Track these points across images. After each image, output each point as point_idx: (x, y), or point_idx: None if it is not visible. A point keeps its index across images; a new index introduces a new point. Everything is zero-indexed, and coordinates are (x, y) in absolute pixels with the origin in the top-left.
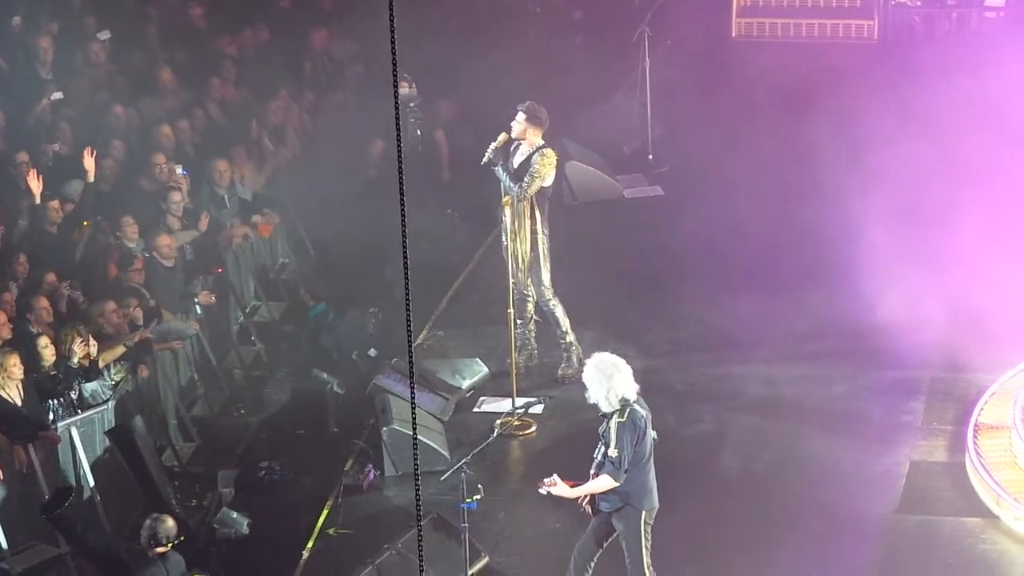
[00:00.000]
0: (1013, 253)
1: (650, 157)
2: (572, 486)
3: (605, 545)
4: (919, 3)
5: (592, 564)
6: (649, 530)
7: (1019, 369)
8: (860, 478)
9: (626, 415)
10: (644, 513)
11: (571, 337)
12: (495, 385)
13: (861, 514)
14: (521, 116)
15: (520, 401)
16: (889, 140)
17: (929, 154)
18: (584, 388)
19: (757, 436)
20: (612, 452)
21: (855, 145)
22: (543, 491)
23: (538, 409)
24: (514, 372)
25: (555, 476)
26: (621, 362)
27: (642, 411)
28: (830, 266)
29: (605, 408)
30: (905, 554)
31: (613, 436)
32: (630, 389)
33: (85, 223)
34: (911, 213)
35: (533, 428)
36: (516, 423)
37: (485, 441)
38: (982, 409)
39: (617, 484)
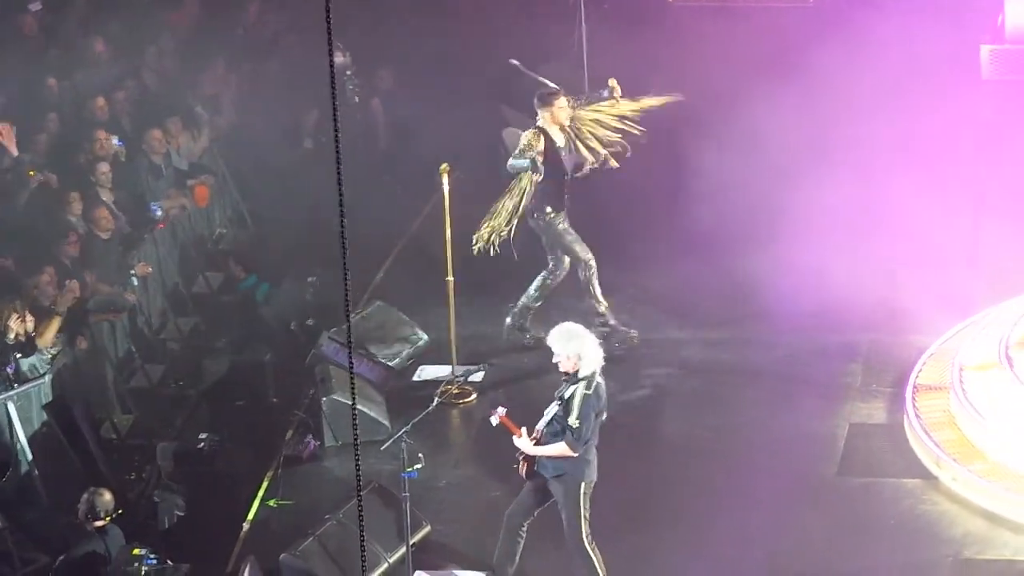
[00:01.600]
0: (950, 216)
1: None
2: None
3: (536, 513)
4: None
5: (525, 527)
6: (588, 500)
7: (956, 330)
8: (801, 441)
9: (592, 387)
10: (583, 484)
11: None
12: (435, 354)
13: (803, 477)
14: (563, 99)
15: (460, 369)
16: (826, 105)
17: (865, 119)
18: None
19: (698, 401)
20: (574, 422)
21: (792, 110)
22: (492, 420)
23: (478, 377)
24: (453, 340)
25: (523, 429)
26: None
27: (603, 385)
28: (769, 230)
29: (583, 372)
30: (847, 516)
31: (577, 406)
32: (598, 358)
33: (31, 172)
34: (849, 177)
35: (473, 396)
36: (456, 391)
37: (425, 410)
38: (920, 371)
39: (575, 455)
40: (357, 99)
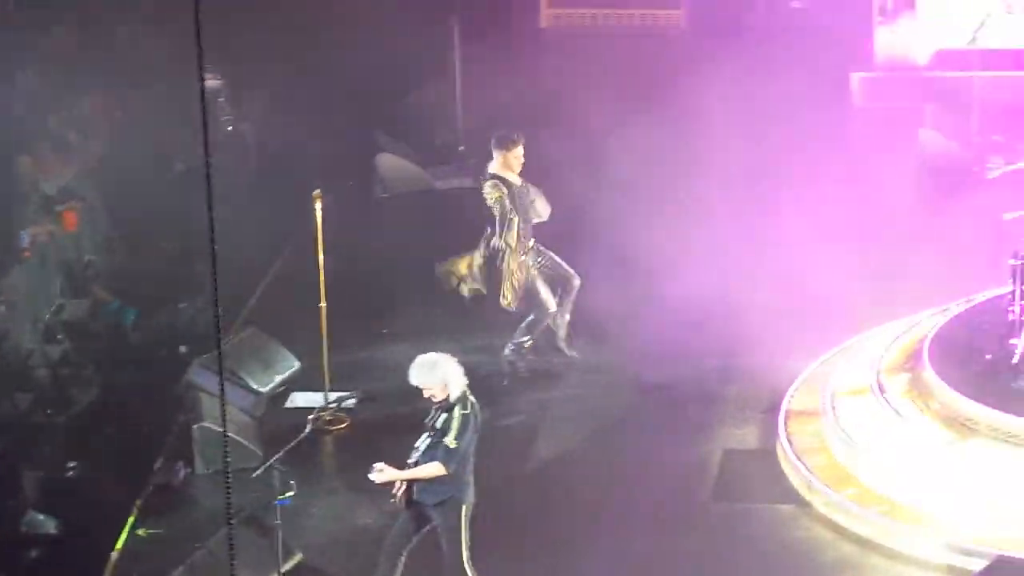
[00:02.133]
0: (823, 242)
1: (461, 149)
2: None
3: (415, 540)
4: None
5: (403, 556)
6: (468, 524)
7: (829, 356)
8: (676, 467)
9: (469, 406)
10: (465, 507)
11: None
12: (308, 380)
13: (678, 503)
14: (521, 148)
15: (332, 396)
16: (699, 131)
17: (738, 145)
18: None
19: (575, 427)
20: (451, 442)
21: (668, 135)
22: (372, 477)
23: (351, 404)
24: (326, 367)
25: (382, 463)
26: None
27: (477, 405)
28: (646, 260)
29: (454, 396)
30: (720, 543)
31: (455, 426)
32: (463, 377)
33: None
34: (726, 202)
35: (346, 423)
36: (329, 418)
37: (298, 438)
38: (793, 396)
39: (446, 473)
40: (230, 127)
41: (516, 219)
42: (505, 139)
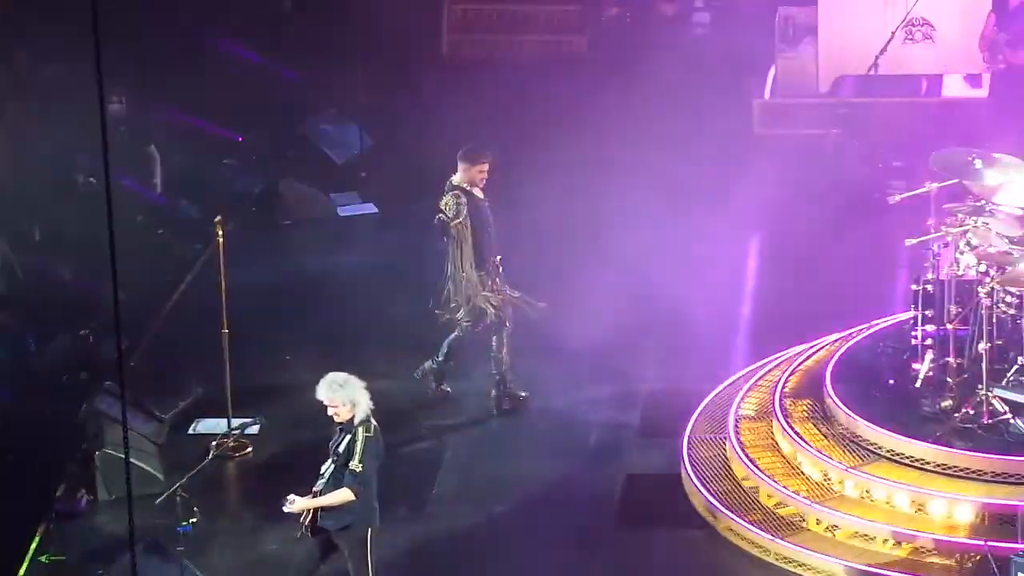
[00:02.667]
0: (724, 267)
1: (363, 175)
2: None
3: (322, 567)
4: (618, 12)
5: None
6: (373, 547)
7: (731, 380)
8: (579, 493)
9: (372, 429)
10: (370, 531)
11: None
12: (211, 406)
13: (580, 529)
14: (487, 164)
15: (236, 422)
16: (600, 158)
17: (636, 172)
18: (302, 408)
19: (478, 452)
20: (356, 466)
21: (573, 159)
22: (285, 508)
23: (254, 429)
24: (229, 393)
25: (293, 495)
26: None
27: (379, 428)
28: (550, 281)
29: (359, 417)
30: (624, 568)
31: (359, 449)
32: (368, 401)
33: None
34: (623, 228)
35: (249, 449)
36: (232, 444)
37: (200, 463)
38: (696, 421)
39: (356, 498)
40: (134, 150)
41: (469, 232)
42: (473, 153)
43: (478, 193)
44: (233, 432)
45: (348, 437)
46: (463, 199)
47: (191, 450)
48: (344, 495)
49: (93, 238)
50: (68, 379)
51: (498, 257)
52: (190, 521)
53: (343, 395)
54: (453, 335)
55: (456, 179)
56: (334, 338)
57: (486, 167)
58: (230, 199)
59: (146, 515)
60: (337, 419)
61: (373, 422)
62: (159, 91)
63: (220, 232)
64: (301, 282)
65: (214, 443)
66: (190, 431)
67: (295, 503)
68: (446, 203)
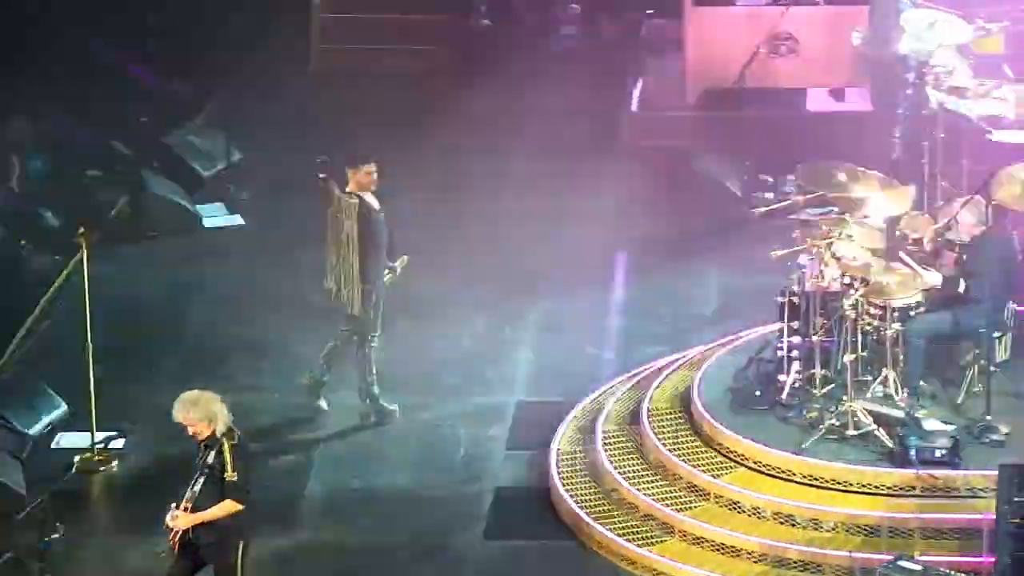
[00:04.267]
0: (594, 279)
1: (230, 187)
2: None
3: None
4: (487, 23)
5: None
6: (246, 560)
7: (598, 393)
8: (448, 505)
9: (236, 438)
10: (241, 544)
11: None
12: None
13: (448, 543)
14: (373, 165)
15: (100, 437)
16: (463, 172)
17: (503, 183)
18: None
19: (344, 465)
20: (232, 476)
21: (439, 172)
22: (170, 524)
23: (119, 443)
24: (93, 407)
25: (173, 511)
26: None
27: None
28: (415, 294)
29: (219, 431)
30: None
31: (229, 459)
32: (226, 412)
33: None
34: (488, 239)
35: (114, 463)
36: (96, 459)
37: (63, 478)
38: (564, 433)
39: (242, 508)
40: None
41: (356, 241)
42: (352, 158)
43: (371, 201)
44: (97, 446)
45: (213, 453)
46: (354, 200)
47: (55, 465)
48: (228, 507)
49: None
50: None
51: (386, 271)
52: (53, 536)
53: (198, 413)
54: (330, 345)
55: (348, 189)
56: (199, 351)
57: (372, 168)
58: (93, 210)
59: (8, 531)
60: (199, 437)
61: (237, 432)
62: (22, 101)
63: (84, 244)
64: (166, 294)
65: (78, 458)
66: (54, 446)
67: (179, 518)
68: (338, 205)
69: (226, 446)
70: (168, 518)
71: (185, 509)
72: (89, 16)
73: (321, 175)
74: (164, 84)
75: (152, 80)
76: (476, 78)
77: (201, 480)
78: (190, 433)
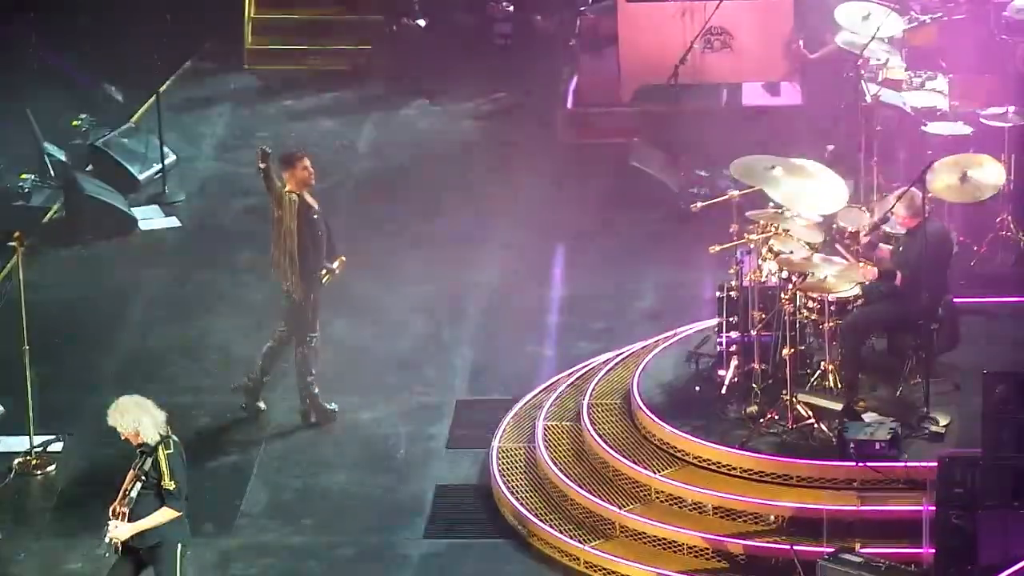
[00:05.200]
0: (529, 276)
1: (165, 189)
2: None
3: None
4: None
5: None
6: (186, 563)
7: (539, 390)
8: (389, 503)
9: (172, 445)
10: (180, 546)
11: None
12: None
13: (390, 541)
14: (307, 160)
15: (38, 440)
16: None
17: (443, 178)
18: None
19: (284, 465)
20: (169, 484)
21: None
22: (109, 533)
23: (57, 447)
24: (31, 410)
25: (112, 521)
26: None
27: (180, 444)
28: (352, 294)
29: (151, 440)
30: None
31: (165, 467)
32: (159, 420)
33: None
34: (426, 238)
35: (52, 466)
36: (35, 462)
37: (1, 482)
38: (504, 430)
39: (180, 514)
40: None
41: (295, 238)
42: (287, 155)
43: (311, 200)
44: (35, 450)
45: (150, 459)
46: (293, 198)
47: None
48: (167, 514)
49: None
50: None
51: (324, 271)
52: None
53: (124, 423)
54: (268, 345)
55: (288, 189)
56: (137, 353)
57: (307, 162)
58: (28, 213)
59: None
60: (132, 443)
61: (173, 438)
62: None
63: (19, 247)
64: (103, 296)
65: (16, 461)
66: None
67: (119, 528)
68: (279, 201)
69: (161, 455)
70: (109, 528)
71: (123, 515)
72: (20, 15)
73: (261, 164)
74: (98, 86)
75: (87, 82)
76: (409, 77)
77: (138, 486)
78: (123, 438)
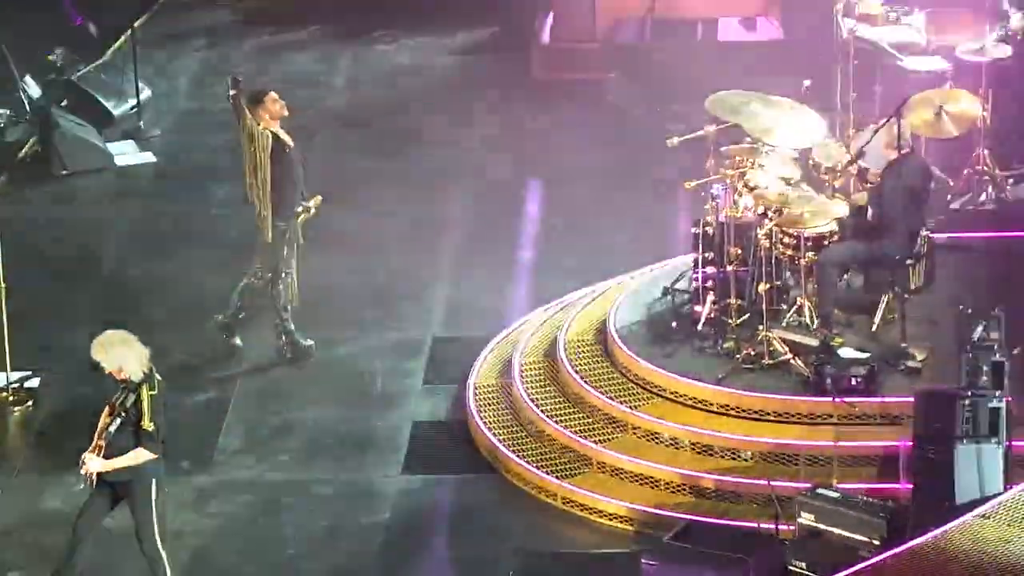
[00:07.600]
0: (503, 216)
1: (141, 124)
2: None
3: (109, 513)
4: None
5: (91, 534)
6: (160, 500)
7: (515, 326)
8: (365, 440)
9: (156, 385)
10: (155, 483)
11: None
12: None
13: (367, 477)
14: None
15: (14, 376)
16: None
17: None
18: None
19: (261, 402)
20: (148, 425)
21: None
22: (82, 469)
23: (34, 383)
24: (7, 346)
25: (86, 454)
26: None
27: (163, 383)
28: (328, 229)
29: (134, 376)
30: (411, 514)
31: (147, 408)
32: (143, 358)
33: None
34: (410, 174)
35: (30, 402)
36: (12, 398)
37: None
38: (480, 367)
39: (156, 456)
40: None
41: (269, 175)
42: (254, 92)
43: (285, 138)
44: (12, 385)
45: (133, 396)
46: (268, 136)
47: None
48: (141, 455)
49: None
50: None
51: (300, 209)
52: None
53: (108, 358)
54: (243, 283)
55: (262, 127)
56: (113, 289)
57: (275, 96)
58: (2, 149)
59: None
60: (117, 378)
61: (157, 377)
62: None
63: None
64: (79, 233)
65: None
66: None
67: (93, 462)
68: (251, 132)
69: (144, 395)
70: (82, 459)
71: (98, 448)
72: None
73: (231, 91)
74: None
75: (79, 19)
76: (381, 15)
77: (118, 422)
78: (106, 373)
